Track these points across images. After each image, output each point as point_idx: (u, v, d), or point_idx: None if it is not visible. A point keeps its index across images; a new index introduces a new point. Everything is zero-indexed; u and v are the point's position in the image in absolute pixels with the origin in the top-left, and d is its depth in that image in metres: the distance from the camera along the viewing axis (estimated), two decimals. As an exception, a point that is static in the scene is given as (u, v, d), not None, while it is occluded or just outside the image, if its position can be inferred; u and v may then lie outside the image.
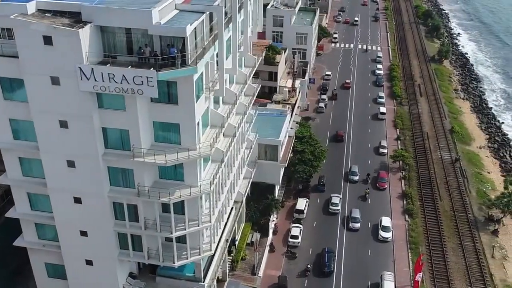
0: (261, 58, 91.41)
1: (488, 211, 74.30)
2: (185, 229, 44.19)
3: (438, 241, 68.57)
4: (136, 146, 40.16)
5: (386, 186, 79.45)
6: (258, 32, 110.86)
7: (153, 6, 36.54)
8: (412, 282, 61.05)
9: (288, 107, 78.94)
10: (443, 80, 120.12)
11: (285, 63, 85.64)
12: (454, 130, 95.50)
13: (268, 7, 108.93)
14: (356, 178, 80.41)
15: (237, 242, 64.76)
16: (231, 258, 63.08)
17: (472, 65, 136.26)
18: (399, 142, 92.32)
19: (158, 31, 36.60)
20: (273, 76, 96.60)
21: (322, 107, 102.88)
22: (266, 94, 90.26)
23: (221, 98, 48.38)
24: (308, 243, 67.75)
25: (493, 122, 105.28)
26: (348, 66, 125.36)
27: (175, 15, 39.45)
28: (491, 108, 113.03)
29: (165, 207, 44.43)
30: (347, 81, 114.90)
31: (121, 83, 36.40)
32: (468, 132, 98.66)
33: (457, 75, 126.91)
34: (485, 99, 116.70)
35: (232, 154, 52.65)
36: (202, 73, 40.96)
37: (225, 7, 45.67)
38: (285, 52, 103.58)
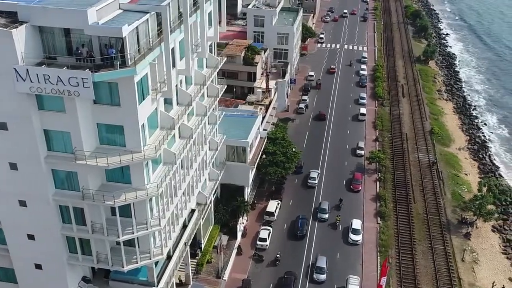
0: (236, 58, 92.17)
1: (461, 214, 73.43)
2: (133, 233, 43.42)
3: (408, 244, 67.71)
4: (79, 149, 39.41)
5: (360, 188, 78.62)
6: (237, 31, 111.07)
7: (90, 6, 35.77)
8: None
9: (261, 108, 78.12)
10: (427, 81, 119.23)
11: (265, 64, 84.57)
12: (433, 131, 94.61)
13: (249, 7, 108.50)
14: (326, 216, 71.44)
15: (202, 245, 64.06)
16: (196, 261, 62.37)
17: (458, 65, 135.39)
18: (377, 143, 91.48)
19: (95, 32, 35.88)
20: (252, 77, 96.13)
21: (303, 108, 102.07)
22: (246, 94, 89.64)
23: (174, 99, 47.63)
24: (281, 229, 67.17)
25: (475, 124, 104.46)
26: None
27: (118, 15, 38.76)
28: (474, 109, 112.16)
29: (114, 210, 43.65)
30: (332, 66, 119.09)
31: (57, 84, 35.70)
32: (448, 133, 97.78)
33: (442, 75, 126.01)
34: (469, 100, 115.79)
35: (189, 156, 51.92)
36: (147, 74, 40.22)
37: (178, 8, 45.16)
38: (265, 52, 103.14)
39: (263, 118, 79.45)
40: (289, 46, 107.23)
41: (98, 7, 36.40)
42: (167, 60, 41.80)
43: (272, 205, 72.63)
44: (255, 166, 71.26)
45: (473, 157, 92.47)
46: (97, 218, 42.84)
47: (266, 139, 75.18)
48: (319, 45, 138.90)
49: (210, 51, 57.86)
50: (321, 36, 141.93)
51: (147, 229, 43.96)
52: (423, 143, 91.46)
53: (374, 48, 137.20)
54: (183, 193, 51.58)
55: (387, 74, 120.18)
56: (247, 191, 71.38)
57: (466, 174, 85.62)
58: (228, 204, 69.04)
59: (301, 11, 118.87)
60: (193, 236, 57.61)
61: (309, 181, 79.21)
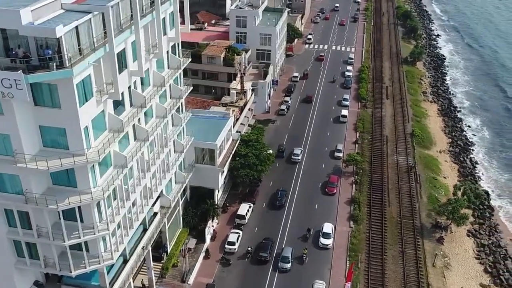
0: (219, 59, 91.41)
1: (436, 218, 72.34)
2: (80, 237, 42.61)
3: (379, 248, 66.70)
4: (19, 151, 38.62)
5: (335, 191, 77.61)
6: (222, 32, 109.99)
7: (24, 6, 34.96)
8: (343, 291, 59.34)
9: (233, 110, 77.19)
10: (413, 82, 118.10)
11: (239, 65, 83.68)
12: (414, 133, 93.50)
13: (232, 7, 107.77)
14: (288, 266, 62.52)
15: (168, 249, 63.22)
16: (161, 264, 61.54)
17: (446, 67, 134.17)
18: (356, 145, 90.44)
19: (29, 32, 35.16)
20: (232, 78, 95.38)
21: (284, 110, 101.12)
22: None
23: (127, 101, 46.78)
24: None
25: (458, 126, 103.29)
26: (318, 67, 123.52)
27: (59, 15, 38.04)
28: (459, 111, 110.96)
29: (62, 214, 42.99)
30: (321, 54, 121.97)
31: (-10, 86, 34.90)
32: (430, 135, 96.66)
33: (429, 77, 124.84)
34: (454, 102, 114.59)
35: (146, 159, 51.07)
36: (89, 75, 39.43)
37: (131, 8, 44.28)
38: (246, 53, 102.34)
39: (237, 119, 78.64)
40: (272, 47, 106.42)
41: (34, 7, 35.63)
42: (112, 61, 40.92)
43: (243, 208, 71.67)
44: (225, 169, 70.46)
45: (453, 160, 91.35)
46: (43, 222, 42.07)
47: (238, 141, 74.23)
48: (306, 46, 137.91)
49: (174, 52, 57.13)
50: (309, 37, 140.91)
51: (94, 234, 43.15)
52: (403, 146, 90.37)
53: (362, 49, 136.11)
54: (139, 197, 50.77)
55: (373, 75, 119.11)
56: (217, 193, 70.47)
57: (444, 177, 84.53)
58: (197, 207, 68.29)
59: (286, 11, 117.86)
60: (154, 239, 56.70)
61: (293, 157, 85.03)
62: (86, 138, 40.07)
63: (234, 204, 74.52)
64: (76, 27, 37.21)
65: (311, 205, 74.77)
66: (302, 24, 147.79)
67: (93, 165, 41.57)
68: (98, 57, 39.85)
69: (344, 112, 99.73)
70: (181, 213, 66.66)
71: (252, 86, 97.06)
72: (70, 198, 40.58)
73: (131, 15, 44.55)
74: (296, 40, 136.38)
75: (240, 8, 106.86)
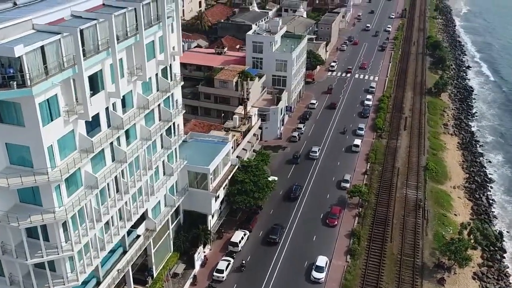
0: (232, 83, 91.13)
1: (439, 257, 68.50)
2: (43, 257, 42.28)
3: (374, 286, 63.51)
4: (-18, 168, 38.93)
5: (336, 222, 75.01)
6: (240, 57, 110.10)
7: (-12, 25, 35.58)
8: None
9: (234, 135, 76.34)
10: (434, 114, 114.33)
11: (242, 90, 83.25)
12: (428, 167, 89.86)
13: (249, 32, 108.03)
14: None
15: (155, 272, 62.25)
16: (145, 288, 60.64)
17: (473, 99, 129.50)
18: (365, 176, 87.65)
19: (-12, 50, 35.56)
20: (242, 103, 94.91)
21: (296, 137, 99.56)
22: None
23: (103, 121, 46.70)
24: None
25: (478, 161, 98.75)
26: (338, 95, 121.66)
27: (28, 35, 38.49)
28: (481, 146, 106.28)
29: (29, 232, 42.98)
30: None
31: (-49, 102, 35.45)
32: (445, 170, 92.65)
33: (452, 109, 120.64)
34: (477, 136, 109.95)
35: (125, 180, 50.66)
36: (56, 95, 39.60)
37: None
38: (260, 78, 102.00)
39: (238, 144, 77.74)
40: (288, 73, 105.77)
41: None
42: (81, 82, 40.96)
43: (238, 236, 70.10)
44: (221, 194, 69.33)
45: (468, 196, 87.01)
46: (8, 239, 42.03)
47: (237, 166, 73.14)
48: (329, 73, 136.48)
49: (165, 75, 57.15)
50: (332, 64, 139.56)
51: (58, 254, 42.76)
52: (415, 179, 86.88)
53: (386, 78, 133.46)
54: (115, 218, 50.28)
55: (393, 105, 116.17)
56: (211, 219, 69.25)
57: (455, 215, 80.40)
58: (189, 231, 67.28)
59: (305, 38, 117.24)
60: (134, 262, 55.88)
61: (310, 154, 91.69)
62: (50, 157, 40.05)
63: (230, 230, 73.07)
64: (42, 47, 37.53)
65: (309, 236, 72.44)
66: (326, 51, 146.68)
67: (59, 184, 41.43)
68: (66, 78, 39.95)
69: (357, 141, 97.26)
70: (171, 236, 65.83)
71: (263, 112, 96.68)
72: (32, 217, 40.42)
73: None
74: (318, 67, 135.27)
75: (258, 33, 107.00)
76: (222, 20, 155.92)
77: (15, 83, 36.08)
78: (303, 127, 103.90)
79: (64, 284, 44.27)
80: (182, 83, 60.22)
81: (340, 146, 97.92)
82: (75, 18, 43.33)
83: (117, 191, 50.30)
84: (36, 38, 38.10)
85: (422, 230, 74.38)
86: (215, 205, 68.86)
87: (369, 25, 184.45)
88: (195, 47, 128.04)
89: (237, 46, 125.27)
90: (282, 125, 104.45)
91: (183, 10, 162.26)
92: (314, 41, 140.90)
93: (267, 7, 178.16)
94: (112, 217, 49.67)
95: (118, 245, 54.09)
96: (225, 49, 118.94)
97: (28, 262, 41.88)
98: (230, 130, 78.57)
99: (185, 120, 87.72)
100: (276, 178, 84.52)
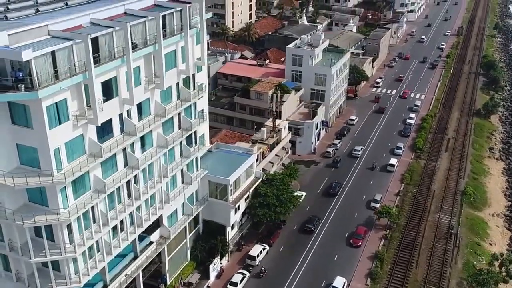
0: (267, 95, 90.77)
1: (467, 288, 64.79)
2: (46, 256, 43.30)
3: (391, 313, 60.87)
4: (-8, 167, 40.42)
5: (360, 243, 72.58)
6: (281, 69, 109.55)
7: (3, 30, 37.07)
8: None
9: (260, 147, 75.75)
10: (480, 137, 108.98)
11: (271, 103, 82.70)
12: (466, 191, 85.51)
13: (290, 45, 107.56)
14: None
15: (168, 280, 62.45)
16: (157, 295, 60.92)
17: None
18: (398, 198, 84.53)
19: (1, 54, 36.90)
20: (278, 115, 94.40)
21: (330, 152, 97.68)
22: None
23: (116, 127, 47.49)
24: None
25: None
26: (380, 112, 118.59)
27: (42, 40, 39.76)
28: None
29: (37, 232, 44.20)
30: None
31: (-37, 102, 37.11)
32: (485, 196, 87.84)
33: (502, 132, 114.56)
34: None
35: (136, 186, 51.18)
36: (65, 99, 40.66)
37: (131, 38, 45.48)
38: (298, 91, 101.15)
39: (264, 157, 77.09)
40: (327, 87, 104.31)
41: (12, 31, 37.59)
42: (91, 88, 41.84)
43: (256, 249, 69.22)
44: (242, 206, 68.75)
45: (508, 226, 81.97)
46: (14, 236, 43.39)
47: (260, 179, 72.44)
48: (373, 89, 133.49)
49: (187, 84, 57.59)
50: (378, 80, 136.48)
51: (61, 255, 43.65)
52: (450, 204, 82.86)
53: (433, 97, 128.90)
54: (125, 223, 50.82)
55: (437, 125, 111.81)
56: (230, 230, 68.72)
57: (490, 244, 75.87)
58: (207, 241, 67.14)
59: (348, 53, 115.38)
60: (145, 268, 56.21)
61: (353, 152, 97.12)
62: (57, 159, 41.07)
63: (250, 243, 72.30)
64: (53, 52, 38.69)
65: (330, 255, 70.50)
66: (373, 67, 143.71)
67: (65, 186, 42.41)
68: (76, 83, 40.92)
69: (393, 161, 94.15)
70: (188, 245, 65.90)
71: (297, 126, 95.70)
72: (36, 217, 41.52)
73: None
74: (363, 82, 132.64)
75: (299, 47, 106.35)
76: (270, 33, 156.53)
77: (23, 86, 37.32)
78: (339, 143, 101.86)
79: (66, 285, 45.10)
80: (206, 93, 60.26)
81: (376, 164, 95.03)
82: (93, 25, 44.46)
83: (129, 196, 50.86)
84: (49, 43, 39.35)
85: (451, 257, 70.61)
86: (235, 217, 68.40)
87: (424, 37, 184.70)
88: (239, 58, 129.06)
89: (282, 59, 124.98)
90: (318, 140, 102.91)
91: (232, 21, 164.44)
92: (361, 56, 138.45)
93: (317, 21, 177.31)
94: (121, 222, 50.18)
95: (129, 250, 54.66)
96: (267, 61, 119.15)
97: (32, 260, 43.04)
98: (258, 142, 78.02)
99: (217, 129, 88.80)
100: (304, 194, 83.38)
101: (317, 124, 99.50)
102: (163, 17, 50.61)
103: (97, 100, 42.28)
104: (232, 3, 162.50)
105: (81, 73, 41.18)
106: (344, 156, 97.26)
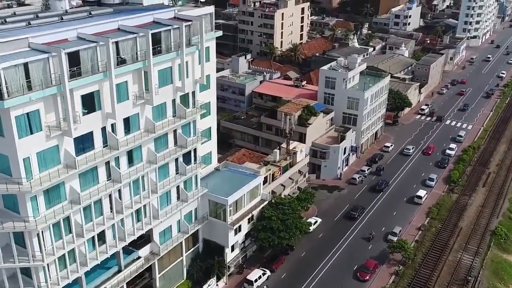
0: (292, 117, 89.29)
1: (475, 338, 59.21)
2: (14, 263, 44.12)
3: None
4: (-33, 172, 41.93)
5: (367, 278, 68.69)
6: (314, 91, 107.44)
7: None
8: None
9: (269, 169, 74.07)
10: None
11: (284, 125, 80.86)
12: (496, 232, 78.98)
13: (323, 67, 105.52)
14: None
15: (157, 297, 62.01)
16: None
17: None
18: (419, 232, 79.54)
19: (-29, 64, 38.35)
20: (303, 137, 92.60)
21: (356, 179, 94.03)
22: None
23: (98, 140, 47.95)
24: None
25: None
26: (419, 141, 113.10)
27: (18, 52, 41.01)
28: None
29: (16, 238, 45.15)
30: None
31: None
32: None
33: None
34: None
35: (119, 201, 51.29)
36: (38, 110, 41.58)
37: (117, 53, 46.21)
38: (327, 114, 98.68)
39: (274, 179, 75.30)
40: (359, 112, 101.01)
41: (-13, 41, 39.14)
42: (65, 101, 42.52)
43: (255, 274, 67.34)
44: (237, 227, 66.86)
45: (540, 273, 74.51)
46: (-13, 241, 44.67)
47: (266, 202, 70.69)
48: (418, 116, 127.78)
49: (184, 102, 57.52)
50: (423, 107, 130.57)
51: (29, 262, 44.33)
52: (476, 244, 76.72)
53: (481, 127, 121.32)
54: (106, 237, 50.98)
55: (479, 158, 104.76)
56: (229, 251, 67.30)
57: (515, 292, 69.25)
58: (205, 261, 66.18)
59: (387, 77, 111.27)
60: (123, 281, 55.95)
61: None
62: (27, 168, 41.96)
63: (253, 267, 70.44)
64: (25, 64, 39.78)
65: (334, 288, 67.33)
66: (420, 93, 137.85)
67: (36, 195, 43.19)
68: (50, 94, 41.74)
69: (421, 192, 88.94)
70: (184, 263, 65.25)
71: (323, 149, 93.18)
72: (5, 223, 42.48)
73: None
74: (407, 109, 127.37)
75: (333, 69, 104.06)
76: (317, 54, 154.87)
77: (-9, 95, 38.56)
78: (368, 170, 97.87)
79: (34, 293, 45.70)
80: (202, 111, 59.74)
81: (402, 195, 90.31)
82: (79, 40, 45.50)
83: (111, 209, 51.08)
84: (25, 55, 40.57)
85: (465, 303, 65.12)
86: (235, 238, 67.01)
87: (490, 56, 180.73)
88: (283, 78, 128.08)
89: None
90: (347, 165, 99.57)
91: (281, 41, 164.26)
92: (407, 82, 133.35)
93: (370, 44, 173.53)
94: (99, 234, 50.32)
95: (114, 263, 54.78)
96: (304, 82, 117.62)
97: (0, 266, 43.96)
98: (270, 163, 76.43)
99: (240, 148, 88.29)
100: (319, 220, 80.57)
101: (345, 149, 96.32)
102: (158, 34, 51.09)
103: (71, 112, 42.90)
104: (282, 23, 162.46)
105: (56, 85, 42.01)
106: (371, 187, 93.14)
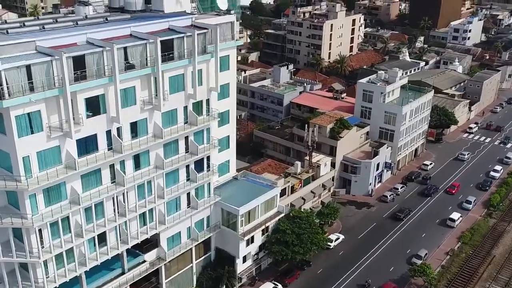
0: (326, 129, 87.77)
1: None
2: (12, 257, 45.58)
3: None
4: (-26, 169, 43.86)
5: (383, 301, 65.81)
6: (352, 104, 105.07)
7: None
8: None
9: (288, 181, 72.68)
10: None
11: (306, 138, 79.14)
12: (532, 263, 73.41)
13: (362, 80, 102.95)
14: None
15: (164, 303, 62.16)
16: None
17: None
18: (447, 257, 75.25)
19: (-24, 65, 40.13)
20: (333, 151, 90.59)
21: (387, 197, 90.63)
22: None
23: (102, 143, 48.79)
24: None
25: None
26: (462, 160, 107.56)
27: (24, 55, 42.64)
28: None
29: (16, 233, 46.76)
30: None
31: None
32: (560, 271, 74.35)
33: None
34: None
35: (123, 204, 51.91)
36: (39, 111, 42.88)
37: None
38: (362, 128, 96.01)
39: (293, 192, 73.83)
40: (396, 127, 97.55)
41: (-6, 44, 40.94)
42: (65, 104, 43.60)
43: (266, 287, 66.06)
44: (249, 238, 65.70)
45: None
46: (-10, 236, 46.44)
47: (282, 214, 69.36)
48: (465, 135, 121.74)
49: (197, 109, 57.59)
50: (472, 126, 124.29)
51: (26, 258, 45.63)
52: (508, 274, 71.57)
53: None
54: (107, 238, 51.68)
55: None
56: (240, 262, 66.43)
57: (546, 330, 63.74)
58: (216, 270, 65.79)
59: (430, 92, 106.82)
60: (125, 284, 56.31)
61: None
62: (26, 166, 43.30)
63: (266, 279, 69.21)
64: (28, 66, 41.20)
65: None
66: (470, 110, 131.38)
67: (35, 193, 44.49)
68: (51, 96, 42.95)
69: (455, 215, 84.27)
70: (194, 270, 65.13)
71: (354, 164, 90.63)
72: (4, 219, 43.99)
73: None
74: (453, 127, 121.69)
75: (372, 82, 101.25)
76: (365, 66, 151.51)
77: (-7, 95, 40.19)
78: (401, 188, 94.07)
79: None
80: (215, 119, 59.49)
81: (435, 217, 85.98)
82: (87, 44, 46.70)
83: (115, 212, 51.79)
84: (29, 57, 42.03)
85: (486, 336, 60.66)
86: (246, 249, 66.17)
87: None
88: (327, 89, 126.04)
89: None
90: (380, 182, 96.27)
91: (329, 53, 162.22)
92: (456, 98, 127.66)
93: (424, 58, 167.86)
94: (101, 236, 51.07)
95: (119, 265, 55.48)
96: (344, 95, 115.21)
97: (1, 259, 45.56)
98: (291, 175, 75.09)
99: (269, 158, 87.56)
100: (341, 237, 78.19)
101: (378, 165, 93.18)
102: (169, 41, 51.61)
103: (71, 115, 43.95)
104: (331, 34, 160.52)
105: (58, 88, 43.18)
106: (409, 200, 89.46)
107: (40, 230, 45.81)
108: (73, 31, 47.18)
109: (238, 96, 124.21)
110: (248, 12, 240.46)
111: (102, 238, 51.54)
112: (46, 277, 47.49)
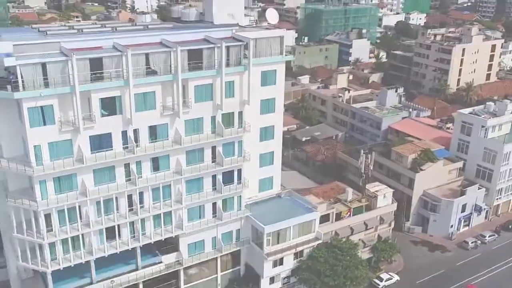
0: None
1: None
2: (23, 235, 50.40)
3: None
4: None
5: None
6: (447, 135, 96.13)
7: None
8: None
9: (334, 208, 68.07)
10: None
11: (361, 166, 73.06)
12: None
13: (463, 110, 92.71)
14: None
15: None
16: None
17: None
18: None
19: (-4, 60, 45.19)
20: (412, 183, 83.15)
21: (468, 243, 79.90)
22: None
23: (118, 142, 51.36)
24: None
25: None
26: None
27: (46, 54, 47.10)
28: None
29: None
30: None
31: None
32: None
33: None
34: None
35: (135, 202, 53.96)
36: (52, 105, 46.91)
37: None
38: (448, 162, 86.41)
39: (339, 219, 69.01)
40: (495, 166, 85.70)
41: (19, 42, 45.98)
42: (75, 105, 46.95)
43: (290, 314, 63.12)
44: (276, 259, 62.98)
45: None
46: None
47: (319, 241, 65.35)
48: None
49: (227, 120, 57.50)
50: None
51: (33, 238, 50.05)
52: None
53: None
54: (117, 233, 54.12)
55: None
56: (265, 283, 64.21)
57: None
58: (241, 286, 64.77)
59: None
60: (135, 281, 57.67)
61: None
62: (37, 155, 47.61)
63: (295, 305, 66.08)
64: (43, 64, 45.46)
65: None
66: None
67: (45, 180, 48.69)
68: (63, 93, 46.64)
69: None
70: (219, 282, 64.81)
71: (434, 201, 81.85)
72: (17, 200, 48.89)
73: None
74: None
75: (476, 114, 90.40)
76: (496, 97, 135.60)
77: (9, 87, 45.02)
78: (489, 236, 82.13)
79: (37, 266, 51.30)
80: (241, 133, 58.46)
81: None
82: (112, 48, 49.90)
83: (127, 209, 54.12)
84: (49, 56, 46.31)
85: None
86: (273, 270, 63.76)
87: None
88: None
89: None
90: (467, 226, 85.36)
91: (459, 79, 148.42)
92: None
93: None
94: (110, 230, 53.65)
95: (134, 261, 57.68)
96: (449, 125, 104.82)
97: (14, 235, 50.64)
98: (341, 202, 70.44)
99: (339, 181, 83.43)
100: (396, 278, 71.07)
101: (464, 206, 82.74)
102: (197, 50, 52.69)
103: (79, 111, 47.26)
104: (462, 59, 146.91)
105: (71, 86, 46.74)
106: (488, 258, 77.94)
107: (49, 215, 49.78)
108: (103, 36, 50.72)
109: (338, 115, 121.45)
110: (389, 33, 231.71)
111: (113, 232, 54.08)
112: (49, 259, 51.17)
